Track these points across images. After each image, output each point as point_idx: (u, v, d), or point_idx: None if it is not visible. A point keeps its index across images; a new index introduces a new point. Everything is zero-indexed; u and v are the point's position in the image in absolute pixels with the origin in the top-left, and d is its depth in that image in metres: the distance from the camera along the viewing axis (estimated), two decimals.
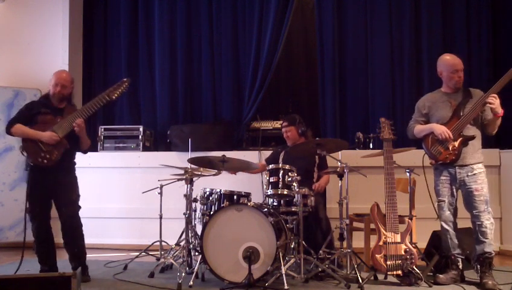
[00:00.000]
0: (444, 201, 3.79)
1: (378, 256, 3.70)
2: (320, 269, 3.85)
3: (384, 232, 3.74)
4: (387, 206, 3.76)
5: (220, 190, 4.25)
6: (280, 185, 3.94)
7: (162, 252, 4.57)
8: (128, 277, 4.06)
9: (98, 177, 5.60)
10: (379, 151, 4.12)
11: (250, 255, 3.54)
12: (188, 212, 4.09)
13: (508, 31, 5.81)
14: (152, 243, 4.78)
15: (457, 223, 3.85)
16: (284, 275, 3.54)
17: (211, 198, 4.26)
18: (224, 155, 4.08)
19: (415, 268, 3.66)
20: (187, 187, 4.12)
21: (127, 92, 4.06)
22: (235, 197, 4.18)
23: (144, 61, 6.45)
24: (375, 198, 3.97)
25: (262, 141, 5.67)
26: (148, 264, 4.42)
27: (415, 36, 5.90)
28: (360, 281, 3.63)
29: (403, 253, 3.68)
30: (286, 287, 3.47)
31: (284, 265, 3.63)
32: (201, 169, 4.43)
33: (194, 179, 4.19)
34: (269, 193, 4.01)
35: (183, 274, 3.78)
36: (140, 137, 5.82)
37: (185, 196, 4.11)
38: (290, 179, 3.95)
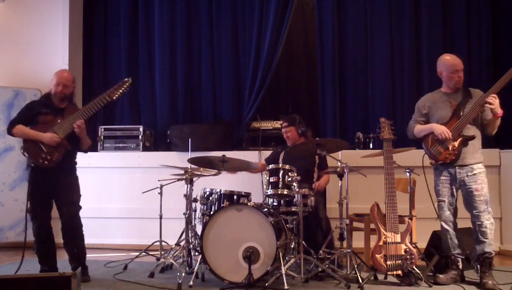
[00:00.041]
0: (444, 201, 3.79)
1: (378, 256, 3.70)
2: (320, 269, 3.85)
3: (384, 232, 3.74)
4: (387, 206, 3.77)
5: (220, 190, 4.25)
6: (280, 185, 3.94)
7: (162, 252, 4.57)
8: (128, 277, 4.06)
9: (98, 177, 5.60)
10: (379, 151, 4.12)
11: (250, 255, 3.54)
12: (188, 212, 4.09)
13: (508, 31, 5.81)
14: (152, 243, 4.78)
15: (457, 223, 3.85)
16: (284, 275, 3.54)
17: (211, 198, 4.26)
18: (224, 155, 4.08)
19: (415, 268, 3.66)
20: (187, 187, 4.12)
21: (127, 92, 4.05)
22: (235, 197, 4.18)
23: (144, 61, 6.45)
24: (375, 198, 3.97)
25: (262, 141, 5.67)
26: (148, 264, 4.42)
27: (415, 36, 5.90)
28: (360, 281, 3.63)
29: (403, 253, 3.68)
30: (286, 287, 3.47)
31: (284, 265, 3.63)
32: (201, 169, 4.43)
33: (194, 179, 4.19)
34: (269, 193, 4.01)
35: (183, 274, 3.78)
36: (140, 137, 5.82)
37: (185, 196, 4.11)
38: (290, 179, 3.95)
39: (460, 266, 3.81)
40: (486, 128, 3.85)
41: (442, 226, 3.83)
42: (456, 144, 3.74)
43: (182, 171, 4.28)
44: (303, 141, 4.58)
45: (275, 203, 4.07)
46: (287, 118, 4.80)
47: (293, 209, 3.99)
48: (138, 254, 4.70)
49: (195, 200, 4.29)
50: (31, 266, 4.00)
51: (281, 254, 3.64)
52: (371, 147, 5.48)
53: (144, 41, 6.44)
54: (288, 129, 4.66)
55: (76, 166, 4.11)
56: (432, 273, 3.86)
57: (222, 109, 6.24)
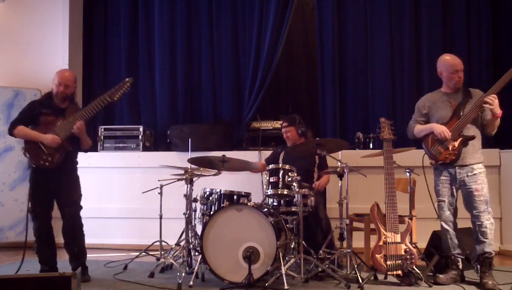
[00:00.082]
0: (444, 201, 3.79)
1: (378, 256, 3.70)
2: (320, 269, 3.85)
3: (384, 232, 3.74)
4: (387, 206, 3.77)
5: (220, 190, 4.25)
6: (280, 185, 3.94)
7: (162, 252, 4.57)
8: (128, 277, 4.06)
9: (98, 177, 5.60)
10: (379, 151, 4.12)
11: (250, 255, 3.54)
12: (188, 212, 4.09)
13: (508, 31, 5.81)
14: (152, 243, 4.78)
15: (457, 223, 3.85)
16: (284, 275, 3.54)
17: (211, 198, 4.26)
18: (224, 155, 4.08)
19: (415, 268, 3.66)
20: (187, 187, 4.12)
21: (128, 92, 4.05)
22: (235, 197, 4.18)
23: (144, 61, 6.45)
24: (375, 198, 3.97)
25: (262, 141, 5.67)
26: (148, 264, 4.42)
27: (415, 36, 5.90)
28: (360, 281, 3.63)
29: (403, 253, 3.68)
30: (286, 287, 3.47)
31: (284, 265, 3.63)
32: (201, 169, 4.43)
33: (194, 179, 4.19)
34: (269, 193, 4.01)
35: (183, 274, 3.78)
36: (140, 137, 5.82)
37: (185, 196, 4.11)
38: (290, 179, 3.95)
39: (460, 266, 3.81)
40: (486, 129, 3.85)
41: (442, 226, 3.83)
42: (456, 144, 3.74)
43: (182, 171, 4.28)
44: (303, 141, 4.58)
45: (275, 203, 4.07)
46: (287, 118, 4.80)
47: (293, 209, 3.99)
48: (138, 254, 4.70)
49: (195, 200, 4.29)
50: (31, 266, 4.00)
51: (281, 254, 3.64)
52: (371, 147, 5.48)
53: (144, 41, 6.44)
54: (288, 129, 4.67)
55: (77, 165, 4.11)
56: (431, 273, 3.86)
57: (222, 109, 6.24)
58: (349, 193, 3.96)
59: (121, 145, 5.84)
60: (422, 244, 4.34)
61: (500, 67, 5.50)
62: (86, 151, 4.14)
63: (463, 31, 5.87)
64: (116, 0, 6.54)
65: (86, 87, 6.45)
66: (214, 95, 6.27)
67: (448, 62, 3.85)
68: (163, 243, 4.68)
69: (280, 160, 4.58)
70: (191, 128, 5.79)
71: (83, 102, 5.76)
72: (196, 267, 3.80)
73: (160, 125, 6.25)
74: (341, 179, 4.03)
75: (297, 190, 3.93)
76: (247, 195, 4.22)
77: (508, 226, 5.17)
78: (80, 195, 4.04)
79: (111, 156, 5.79)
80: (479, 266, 3.72)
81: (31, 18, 6.20)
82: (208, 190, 4.33)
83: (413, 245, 3.82)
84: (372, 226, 3.96)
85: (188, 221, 4.08)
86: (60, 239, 4.06)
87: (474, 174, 3.73)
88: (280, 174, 3.96)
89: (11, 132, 3.95)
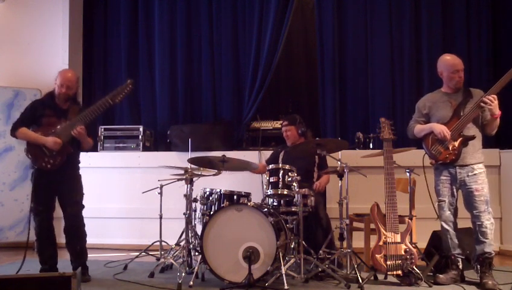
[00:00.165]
0: (444, 201, 3.79)
1: (378, 256, 3.70)
2: (320, 269, 3.85)
3: (384, 232, 3.74)
4: (387, 206, 3.77)
5: (220, 190, 4.25)
6: (280, 185, 3.94)
7: (162, 252, 4.57)
8: (128, 277, 4.07)
9: (98, 177, 5.60)
10: (379, 151, 4.12)
11: (250, 255, 3.54)
12: (188, 212, 4.09)
13: (508, 31, 5.81)
14: (152, 243, 4.78)
15: (457, 223, 3.85)
16: (284, 275, 3.54)
17: (211, 198, 4.26)
18: (224, 155, 4.08)
19: (415, 268, 3.66)
20: (187, 187, 4.12)
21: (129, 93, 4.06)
22: (235, 197, 4.18)
23: (144, 61, 6.45)
24: (375, 198, 3.97)
25: (262, 141, 5.67)
26: (148, 264, 4.42)
27: (415, 36, 5.90)
28: (360, 281, 3.63)
29: (403, 253, 3.68)
30: (286, 287, 3.47)
31: (284, 265, 3.63)
32: (201, 169, 4.43)
33: (194, 179, 4.19)
34: (269, 193, 4.02)
35: (183, 274, 3.79)
36: (140, 137, 5.81)
37: (185, 196, 4.11)
38: (290, 179, 3.95)
39: (460, 266, 3.81)
40: (486, 129, 3.85)
41: (442, 226, 3.83)
42: (456, 144, 3.74)
43: (182, 171, 4.28)
44: (303, 141, 4.58)
45: (275, 203, 4.07)
46: (288, 117, 4.81)
47: (293, 209, 3.99)
48: (138, 254, 4.70)
49: (195, 200, 4.30)
50: (31, 266, 4.00)
51: (281, 254, 3.64)
52: (371, 147, 5.48)
53: (144, 41, 6.44)
54: (289, 128, 4.67)
55: (79, 165, 4.13)
56: (432, 273, 3.86)
57: (222, 109, 6.24)
58: (349, 193, 3.96)
59: (121, 145, 5.84)
60: (422, 244, 4.34)
61: (500, 67, 5.50)
62: (87, 151, 4.16)
63: (463, 31, 5.87)
64: (116, 0, 6.54)
65: (86, 87, 6.45)
66: (214, 95, 6.27)
67: (448, 62, 3.85)
68: (163, 243, 4.68)
69: (280, 160, 4.58)
70: (191, 128, 5.79)
71: (83, 102, 5.74)
72: (196, 267, 3.80)
73: (160, 125, 6.25)
74: (341, 179, 4.03)
75: (297, 190, 3.93)
76: (247, 195, 4.22)
77: (508, 226, 5.17)
78: (82, 195, 4.06)
79: (111, 156, 5.79)
80: (479, 266, 3.71)
81: (31, 18, 6.20)
82: (207, 190, 4.33)
83: (413, 245, 3.83)
84: (372, 226, 3.96)
85: (188, 221, 4.08)
86: (60, 239, 4.07)
87: (475, 174, 3.73)
88: (280, 174, 3.96)
89: (13, 134, 3.97)
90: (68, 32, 6.19)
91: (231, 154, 4.29)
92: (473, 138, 3.75)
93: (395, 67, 5.92)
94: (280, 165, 4.08)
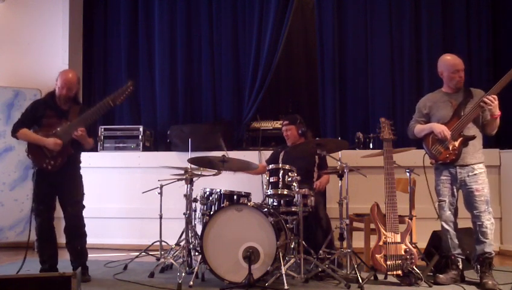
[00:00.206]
0: (444, 201, 3.79)
1: (378, 256, 3.70)
2: (320, 269, 3.85)
3: (384, 232, 3.74)
4: (387, 206, 3.76)
5: (220, 190, 4.25)
6: (280, 185, 3.94)
7: (162, 252, 4.57)
8: (128, 277, 4.07)
9: (98, 177, 5.59)
10: (379, 151, 4.12)
11: (250, 255, 3.54)
12: (188, 212, 4.09)
13: (508, 31, 5.81)
14: (152, 243, 4.78)
15: (457, 223, 3.85)
16: (284, 275, 3.54)
17: (211, 198, 4.26)
18: (224, 155, 4.08)
19: (415, 268, 3.66)
20: (187, 187, 4.12)
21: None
22: (235, 197, 4.18)
23: (144, 61, 6.45)
24: (375, 198, 3.97)
25: (262, 141, 5.67)
26: (148, 264, 4.42)
27: (415, 36, 5.90)
28: (360, 281, 3.63)
29: (403, 253, 3.68)
30: (286, 287, 3.47)
31: (284, 265, 3.63)
32: (201, 169, 4.43)
33: (194, 179, 4.19)
34: (269, 193, 4.01)
35: (183, 274, 3.79)
36: (140, 137, 5.81)
37: (185, 196, 4.11)
38: (290, 179, 3.95)
39: (460, 266, 3.81)
40: (486, 129, 3.84)
41: (442, 226, 3.83)
42: (457, 143, 3.74)
43: (182, 171, 4.28)
44: (303, 141, 4.58)
45: (275, 203, 4.07)
46: (288, 117, 4.81)
47: (293, 209, 3.99)
48: (138, 254, 4.70)
49: (195, 200, 4.30)
50: (31, 266, 4.00)
51: (281, 254, 3.64)
52: (371, 147, 5.48)
53: (144, 41, 6.44)
54: (289, 127, 4.67)
55: (80, 164, 4.14)
56: (432, 273, 3.86)
57: (222, 109, 6.24)
58: (349, 193, 3.96)
59: (121, 145, 5.84)
60: (422, 244, 4.34)
61: (500, 67, 5.50)
62: (87, 151, 4.18)
63: (463, 31, 5.87)
64: (116, 0, 6.54)
65: (86, 87, 6.45)
66: (214, 95, 6.27)
67: (449, 62, 3.85)
68: (163, 243, 4.68)
69: (280, 160, 4.57)
70: (191, 128, 5.80)
71: (83, 102, 5.73)
72: (196, 267, 3.80)
73: (160, 125, 6.25)
74: (341, 179, 4.03)
75: (297, 190, 3.93)
76: (247, 195, 4.22)
77: (508, 226, 5.17)
78: (83, 194, 4.06)
79: (111, 156, 5.79)
80: (479, 266, 3.71)
81: (31, 18, 6.20)
82: (207, 190, 4.33)
83: (413, 245, 3.83)
84: (372, 226, 3.96)
85: (188, 221, 4.08)
86: (61, 239, 4.07)
87: (475, 174, 3.72)
88: (280, 174, 3.96)
89: (13, 134, 3.98)
90: (68, 32, 6.19)
91: (231, 154, 4.30)
92: (473, 138, 3.75)
93: (395, 67, 5.92)
94: (280, 165, 4.08)
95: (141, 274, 4.13)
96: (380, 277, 3.85)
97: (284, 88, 6.60)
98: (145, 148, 5.86)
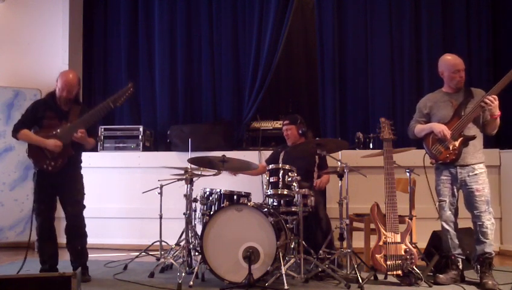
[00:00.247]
0: (445, 201, 3.79)
1: (378, 256, 3.70)
2: (320, 269, 3.85)
3: (384, 232, 3.74)
4: (387, 206, 3.76)
5: (220, 190, 4.25)
6: (280, 185, 3.94)
7: (162, 252, 4.57)
8: (128, 277, 4.07)
9: (98, 177, 5.59)
10: (379, 151, 4.12)
11: (250, 255, 3.54)
12: (188, 212, 4.09)
13: (508, 31, 5.81)
14: (152, 243, 4.78)
15: (458, 223, 3.85)
16: (284, 275, 3.54)
17: (211, 198, 4.26)
18: (224, 155, 4.08)
19: (415, 268, 3.66)
20: (187, 187, 4.12)
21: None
22: (235, 197, 4.18)
23: (144, 61, 6.45)
24: (375, 198, 3.97)
25: (262, 141, 5.67)
26: (148, 264, 4.42)
27: (415, 36, 5.90)
28: (360, 281, 3.63)
29: (403, 253, 3.68)
30: (286, 287, 3.47)
31: (284, 265, 3.63)
32: (201, 169, 4.43)
33: (194, 179, 4.19)
34: (269, 193, 4.01)
35: (183, 274, 3.79)
36: (140, 137, 5.81)
37: (185, 196, 4.11)
38: (290, 179, 3.95)
39: (460, 266, 3.81)
40: (486, 128, 3.85)
41: (442, 226, 3.83)
42: (457, 143, 3.74)
43: (182, 171, 4.28)
44: (303, 141, 4.58)
45: (275, 203, 4.07)
46: (289, 117, 4.82)
47: (293, 209, 3.99)
48: (138, 254, 4.70)
49: (195, 200, 4.30)
50: (31, 266, 4.00)
51: (281, 254, 3.64)
52: (371, 147, 5.48)
53: (144, 41, 6.44)
54: (289, 127, 4.67)
55: (81, 164, 4.14)
56: (432, 273, 3.86)
57: (222, 109, 6.24)
58: (349, 193, 3.96)
59: (121, 145, 5.84)
60: (422, 244, 4.34)
61: (500, 67, 5.50)
62: (88, 151, 4.19)
63: (463, 31, 5.86)
64: (116, 0, 6.54)
65: (86, 87, 6.44)
66: (214, 95, 6.27)
67: (449, 62, 3.85)
68: (163, 243, 4.68)
69: (280, 160, 4.57)
70: (191, 128, 5.79)
71: (83, 102, 5.74)
72: (196, 267, 3.80)
73: (160, 125, 6.25)
74: (341, 179, 4.03)
75: (297, 190, 3.93)
76: (247, 195, 4.22)
77: (508, 226, 5.17)
78: (83, 194, 4.07)
79: (111, 156, 5.79)
80: (479, 266, 3.71)
81: (31, 18, 6.20)
82: (207, 190, 4.33)
83: (413, 245, 3.83)
84: (372, 226, 3.96)
85: (188, 221, 4.08)
86: (62, 239, 4.07)
87: (475, 174, 3.72)
88: (280, 174, 3.96)
89: (14, 135, 3.98)
90: (68, 32, 6.19)
91: (231, 154, 4.29)
92: (473, 138, 3.75)
93: (395, 67, 5.92)
94: (280, 165, 4.08)
95: (141, 274, 4.13)
96: (380, 277, 3.85)
97: (284, 88, 6.60)
98: (145, 148, 5.86)
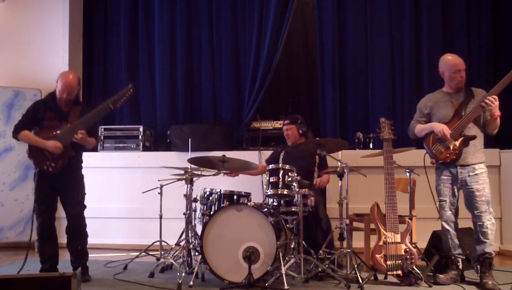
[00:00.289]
0: (445, 201, 3.79)
1: (378, 256, 3.70)
2: (320, 269, 3.85)
3: (384, 232, 3.74)
4: (387, 206, 3.76)
5: (220, 190, 4.25)
6: (280, 185, 3.94)
7: (162, 252, 4.57)
8: (128, 277, 4.07)
9: (98, 177, 5.58)
10: (379, 151, 4.12)
11: (250, 255, 3.54)
12: (188, 212, 4.09)
13: (508, 31, 5.81)
14: (152, 243, 4.78)
15: (458, 223, 3.85)
16: (284, 275, 3.54)
17: (211, 198, 4.26)
18: (224, 155, 4.08)
19: (415, 268, 3.66)
20: (187, 187, 4.12)
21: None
22: (235, 197, 4.18)
23: (144, 61, 6.45)
24: (375, 198, 3.97)
25: (262, 141, 5.67)
26: (148, 264, 4.42)
27: (415, 36, 5.89)
28: (360, 281, 3.63)
29: (403, 253, 3.68)
30: (286, 287, 3.47)
31: (284, 265, 3.63)
32: (201, 169, 4.43)
33: (194, 179, 4.19)
34: (269, 193, 4.01)
35: (183, 274, 3.79)
36: (140, 137, 5.81)
37: (185, 196, 4.11)
38: (290, 179, 3.95)
39: (460, 266, 3.81)
40: (486, 128, 3.85)
41: (443, 226, 3.83)
42: (457, 143, 3.74)
43: (182, 171, 4.28)
44: (303, 141, 4.58)
45: (275, 203, 4.07)
46: (289, 117, 4.82)
47: (293, 209, 3.99)
48: (138, 254, 4.70)
49: (195, 200, 4.30)
50: (32, 265, 4.00)
51: (281, 254, 3.64)
52: (371, 147, 5.48)
53: (143, 41, 6.44)
54: (290, 127, 4.67)
55: (82, 164, 4.15)
56: (432, 273, 3.86)
57: (222, 109, 6.23)
58: (349, 193, 3.96)
59: (121, 145, 5.84)
60: (422, 244, 4.34)
61: (500, 67, 5.51)
62: (88, 151, 4.20)
63: (463, 31, 5.86)
64: (116, 0, 6.54)
65: (85, 87, 6.44)
66: (214, 95, 6.27)
67: (450, 62, 3.85)
68: (163, 243, 4.68)
69: (280, 160, 4.57)
70: (191, 128, 5.79)
71: (83, 102, 5.74)
72: (196, 267, 3.80)
73: (160, 125, 6.25)
74: (341, 179, 4.03)
75: (297, 190, 3.93)
76: (247, 195, 4.22)
77: (508, 226, 5.17)
78: (84, 194, 4.08)
79: (111, 156, 5.79)
80: (479, 266, 3.71)
81: (31, 18, 6.20)
82: (207, 190, 4.33)
83: (413, 245, 3.83)
84: (372, 226, 3.96)
85: (188, 221, 4.08)
86: (62, 239, 4.07)
87: (476, 174, 3.72)
88: (280, 174, 3.96)
89: (14, 136, 3.98)
90: (68, 32, 6.18)
91: (231, 154, 4.29)
92: (474, 137, 3.75)
93: (395, 67, 5.92)
94: (280, 165, 4.08)
95: (141, 274, 4.13)
96: (380, 277, 3.86)
97: (284, 88, 6.59)
98: (145, 148, 5.86)
